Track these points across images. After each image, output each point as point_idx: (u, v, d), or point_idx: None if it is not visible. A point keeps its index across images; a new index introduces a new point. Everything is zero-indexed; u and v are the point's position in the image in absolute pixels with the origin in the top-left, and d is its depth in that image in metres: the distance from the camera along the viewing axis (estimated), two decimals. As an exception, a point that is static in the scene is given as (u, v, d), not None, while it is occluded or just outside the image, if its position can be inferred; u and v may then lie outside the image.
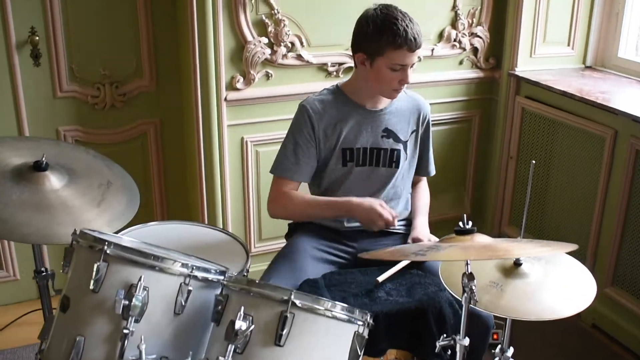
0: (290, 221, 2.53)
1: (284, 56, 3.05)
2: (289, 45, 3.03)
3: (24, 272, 3.13)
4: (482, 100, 3.60)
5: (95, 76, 3.04)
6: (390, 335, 1.95)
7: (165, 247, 1.99)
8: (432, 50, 3.32)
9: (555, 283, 1.89)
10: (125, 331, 1.59)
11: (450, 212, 3.67)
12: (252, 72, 3.01)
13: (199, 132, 3.03)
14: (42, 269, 2.26)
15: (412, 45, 2.14)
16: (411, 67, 2.21)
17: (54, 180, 2.09)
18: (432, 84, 3.39)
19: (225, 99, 3.00)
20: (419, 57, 2.28)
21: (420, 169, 2.51)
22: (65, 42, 2.94)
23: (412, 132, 2.40)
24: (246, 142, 3.12)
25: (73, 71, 2.99)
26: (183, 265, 1.67)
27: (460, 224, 1.70)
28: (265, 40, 2.98)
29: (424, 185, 2.59)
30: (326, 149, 2.32)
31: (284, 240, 2.50)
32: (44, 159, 2.07)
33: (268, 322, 1.55)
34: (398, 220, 2.40)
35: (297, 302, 1.54)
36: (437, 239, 2.28)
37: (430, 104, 3.35)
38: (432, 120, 3.39)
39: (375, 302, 2.03)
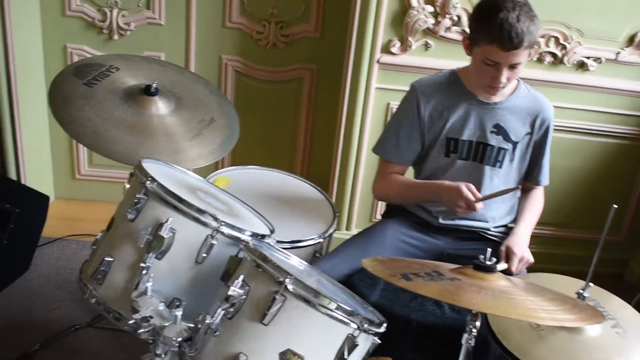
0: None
1: (447, 29, 2.87)
2: (455, 18, 2.84)
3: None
4: (666, 122, 3.12)
5: (263, 13, 3.11)
6: (419, 348, 1.82)
7: (248, 193, 2.11)
8: (617, 54, 2.91)
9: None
10: (142, 264, 1.66)
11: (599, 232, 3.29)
12: (410, 39, 2.88)
13: (345, 87, 2.99)
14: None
15: (506, 44, 1.90)
16: (513, 67, 1.97)
17: (160, 106, 2.20)
18: (610, 91, 2.99)
19: (378, 61, 2.92)
20: (530, 54, 2.01)
21: (531, 177, 2.26)
22: (241, -24, 3.05)
23: (526, 134, 2.17)
24: (392, 108, 3.02)
25: (244, 4, 3.09)
26: (213, 218, 1.69)
27: (481, 257, 1.47)
28: (430, 8, 2.82)
29: (537, 194, 2.30)
30: (430, 136, 2.18)
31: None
32: (154, 84, 2.19)
33: (260, 298, 1.52)
34: (495, 227, 2.23)
35: (291, 287, 1.49)
36: (531, 258, 2.06)
37: (602, 112, 3.04)
38: (601, 130, 3.07)
39: (422, 309, 1.90)
